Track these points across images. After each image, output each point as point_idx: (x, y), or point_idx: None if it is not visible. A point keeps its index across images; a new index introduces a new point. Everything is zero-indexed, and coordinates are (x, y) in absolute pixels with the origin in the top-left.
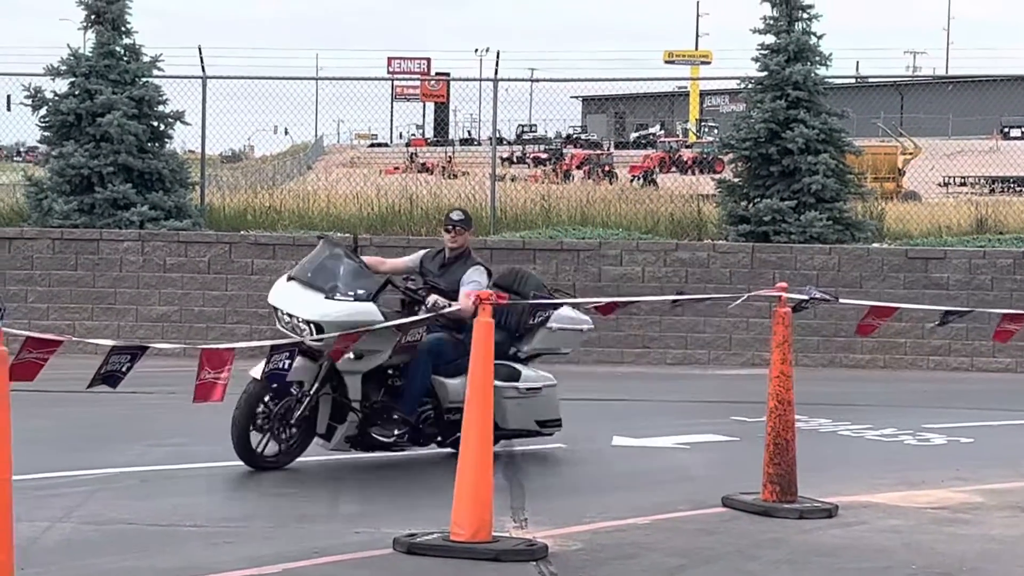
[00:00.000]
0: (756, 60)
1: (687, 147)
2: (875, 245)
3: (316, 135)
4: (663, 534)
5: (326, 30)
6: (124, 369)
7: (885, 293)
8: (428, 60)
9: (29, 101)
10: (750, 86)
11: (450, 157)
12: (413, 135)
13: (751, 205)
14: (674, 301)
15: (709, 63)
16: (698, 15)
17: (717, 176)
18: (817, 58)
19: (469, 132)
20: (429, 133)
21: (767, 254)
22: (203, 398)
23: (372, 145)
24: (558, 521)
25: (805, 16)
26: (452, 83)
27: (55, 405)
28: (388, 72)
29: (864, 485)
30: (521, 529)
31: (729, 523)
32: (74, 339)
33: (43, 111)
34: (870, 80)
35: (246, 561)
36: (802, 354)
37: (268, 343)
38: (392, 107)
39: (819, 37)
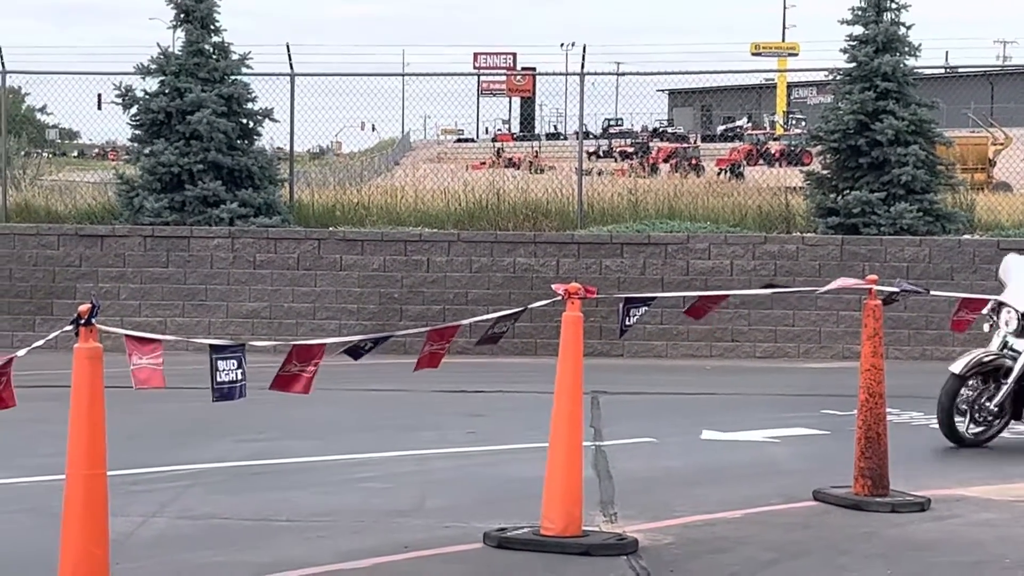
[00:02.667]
0: (844, 51)
1: (774, 139)
2: (966, 236)
3: (403, 131)
4: (754, 528)
5: (412, 27)
6: (239, 376)
7: (977, 285)
8: (514, 55)
9: (120, 100)
10: (838, 77)
11: (536, 151)
12: (499, 130)
13: (840, 197)
14: (767, 285)
15: (796, 55)
16: (785, 6)
17: (805, 168)
18: (906, 48)
19: (555, 126)
20: (515, 128)
21: (856, 246)
22: (281, 388)
23: (458, 140)
24: (648, 515)
25: (894, 6)
26: (538, 78)
27: (147, 401)
28: (474, 67)
29: (957, 478)
30: (611, 523)
31: (821, 517)
32: (168, 337)
33: (134, 109)
34: (960, 70)
35: (337, 555)
36: (893, 347)
37: (358, 338)
38: (478, 102)
39: (908, 27)
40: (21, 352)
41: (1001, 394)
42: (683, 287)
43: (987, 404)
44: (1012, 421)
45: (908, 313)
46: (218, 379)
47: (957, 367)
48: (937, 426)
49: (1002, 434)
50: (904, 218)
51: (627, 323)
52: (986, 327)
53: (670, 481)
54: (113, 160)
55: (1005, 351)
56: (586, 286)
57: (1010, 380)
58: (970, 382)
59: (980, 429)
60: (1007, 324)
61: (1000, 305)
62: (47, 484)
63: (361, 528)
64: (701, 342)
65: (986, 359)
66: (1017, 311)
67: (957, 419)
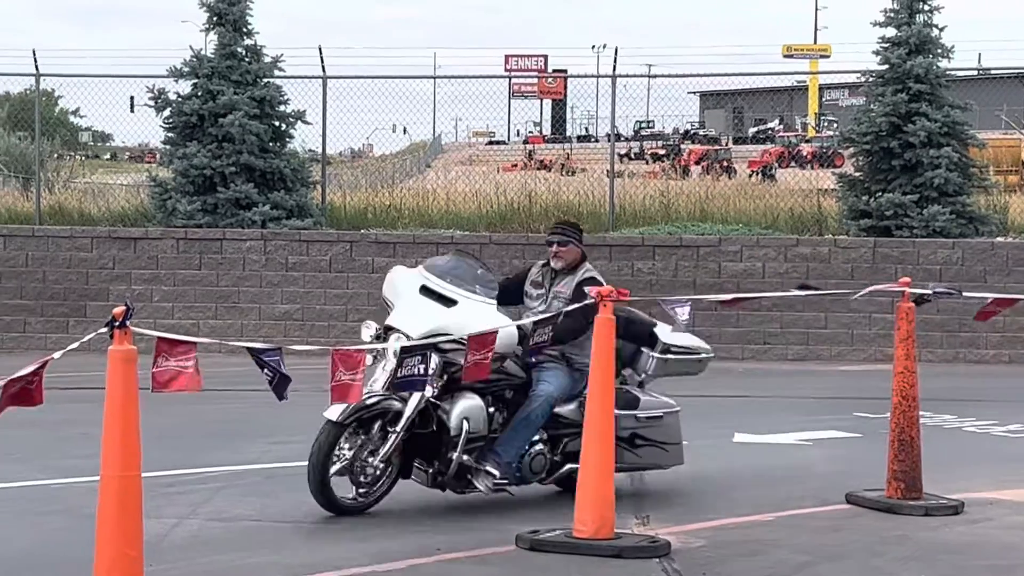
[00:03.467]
0: (876, 53)
1: (806, 142)
2: (999, 239)
3: (434, 133)
4: (787, 531)
5: (442, 30)
6: (275, 372)
7: (1010, 287)
8: (545, 57)
9: (153, 103)
10: (871, 79)
11: (568, 154)
12: (531, 132)
13: (872, 199)
14: (801, 287)
15: (828, 57)
16: (816, 8)
17: (837, 171)
18: (939, 50)
19: (586, 129)
20: (546, 130)
21: (889, 249)
22: (341, 398)
23: (490, 143)
24: (681, 518)
25: (926, 8)
26: (569, 80)
27: (180, 403)
28: (505, 70)
29: (990, 481)
30: (643, 526)
31: (853, 520)
32: (202, 339)
33: (167, 112)
34: (993, 72)
35: (371, 557)
36: (926, 349)
37: (399, 343)
38: (509, 104)
39: (940, 29)
40: (56, 355)
41: (388, 446)
42: (715, 289)
43: (371, 459)
44: (400, 479)
45: (941, 316)
46: (272, 379)
47: (334, 412)
48: (974, 430)
49: None
50: (937, 220)
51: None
52: (369, 359)
53: (702, 484)
54: (151, 163)
55: (393, 392)
56: (618, 288)
57: (399, 428)
58: (351, 431)
59: (363, 491)
60: (396, 356)
61: (387, 330)
62: (81, 486)
63: (395, 530)
64: (733, 344)
65: (370, 401)
66: (409, 338)
67: (335, 479)
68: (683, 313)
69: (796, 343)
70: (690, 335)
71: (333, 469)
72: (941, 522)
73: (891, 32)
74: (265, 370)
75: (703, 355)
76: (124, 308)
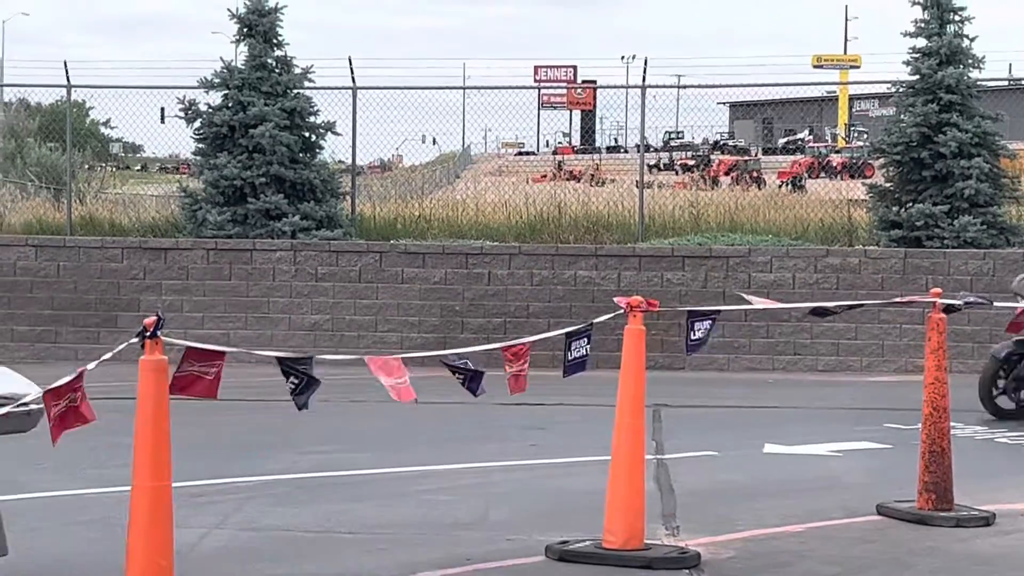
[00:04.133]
0: (907, 64)
1: (836, 152)
2: None
3: (463, 144)
4: (817, 542)
5: (472, 40)
6: (310, 389)
7: None
8: (574, 68)
9: (183, 114)
10: (901, 90)
11: (597, 164)
12: (560, 143)
13: (903, 210)
14: (813, 311)
15: (858, 67)
16: (846, 19)
17: (867, 181)
18: (970, 61)
19: (616, 139)
20: (576, 141)
21: (919, 260)
22: (407, 397)
23: (519, 153)
24: (710, 529)
25: (957, 19)
26: (599, 90)
27: (210, 413)
28: (535, 80)
29: (1022, 493)
30: (673, 536)
31: (884, 531)
32: (232, 349)
33: (197, 123)
34: None
35: (400, 568)
36: (956, 360)
37: (436, 353)
38: (539, 115)
39: (971, 39)
40: (91, 365)
41: None
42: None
43: None
44: None
45: (972, 326)
46: (299, 392)
47: None
48: (1005, 442)
49: None
50: (968, 231)
51: (692, 337)
52: None
53: (732, 494)
54: (184, 173)
55: None
56: (648, 299)
57: None
58: None
59: None
60: None
61: None
62: (113, 495)
63: (423, 540)
64: (763, 355)
65: None
66: None
67: None
68: (702, 329)
69: (826, 354)
70: (11, 377)
71: None
72: (972, 533)
73: (921, 43)
74: (291, 379)
75: (33, 406)
76: (155, 318)
